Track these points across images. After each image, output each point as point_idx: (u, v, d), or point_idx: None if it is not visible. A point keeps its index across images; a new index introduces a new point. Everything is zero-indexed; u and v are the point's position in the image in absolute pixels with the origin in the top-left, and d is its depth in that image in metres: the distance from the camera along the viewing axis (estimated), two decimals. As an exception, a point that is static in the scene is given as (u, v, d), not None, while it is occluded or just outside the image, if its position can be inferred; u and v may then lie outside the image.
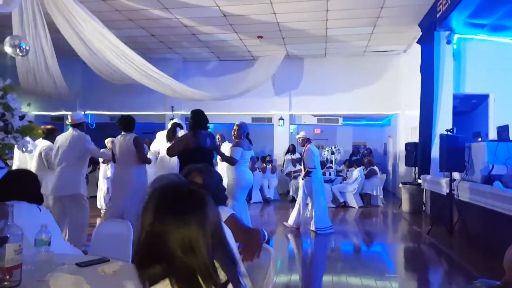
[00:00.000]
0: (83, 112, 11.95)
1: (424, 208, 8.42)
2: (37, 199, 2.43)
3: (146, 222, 1.05)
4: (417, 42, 8.58)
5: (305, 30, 8.98)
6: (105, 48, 6.82)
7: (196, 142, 4.54)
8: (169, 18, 8.33)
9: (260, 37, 9.49)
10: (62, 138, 4.95)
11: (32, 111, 12.74)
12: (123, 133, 5.03)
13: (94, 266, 1.91)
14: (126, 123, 5.04)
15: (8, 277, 1.64)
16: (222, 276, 1.05)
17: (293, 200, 10.08)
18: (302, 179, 6.80)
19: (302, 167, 7.08)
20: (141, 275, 1.04)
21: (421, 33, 8.35)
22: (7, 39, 5.69)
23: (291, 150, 11.60)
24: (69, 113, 12.09)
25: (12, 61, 7.22)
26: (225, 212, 2.20)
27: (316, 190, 6.64)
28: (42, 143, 5.27)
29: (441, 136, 6.51)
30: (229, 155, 5.11)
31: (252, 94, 10.86)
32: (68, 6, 5.96)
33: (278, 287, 4.00)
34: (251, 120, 11.58)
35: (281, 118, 11.83)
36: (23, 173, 2.53)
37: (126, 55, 7.01)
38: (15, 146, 1.62)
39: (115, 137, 5.31)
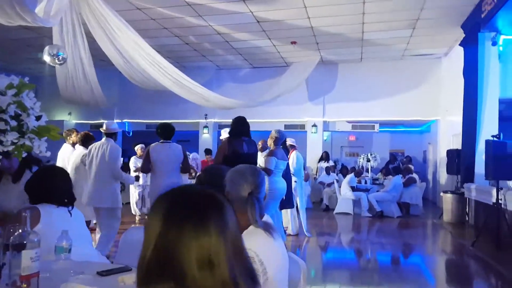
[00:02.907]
0: (120, 121, 12.26)
1: (467, 218, 7.94)
2: (68, 200, 2.28)
3: (152, 232, 0.89)
4: (460, 45, 8.17)
5: (340, 34, 8.78)
6: (139, 56, 6.93)
7: (231, 148, 4.47)
8: (203, 26, 8.37)
9: (294, 42, 9.36)
10: (96, 148, 4.93)
11: (72, 119, 13.25)
12: (161, 141, 4.93)
13: (115, 275, 1.83)
14: (167, 132, 4.96)
15: (25, 285, 1.58)
16: None
17: (327, 209, 9.84)
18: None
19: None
20: None
21: (463, 35, 7.95)
22: (46, 48, 5.89)
23: (325, 157, 11.34)
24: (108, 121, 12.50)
25: (51, 71, 7.49)
26: None
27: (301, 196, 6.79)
28: (81, 150, 5.35)
29: (487, 142, 6.12)
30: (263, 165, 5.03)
31: (285, 100, 10.73)
32: (105, 15, 6.09)
33: (310, 300, 3.82)
34: (284, 127, 11.41)
35: (314, 125, 11.61)
36: (52, 172, 2.35)
37: (159, 63, 7.10)
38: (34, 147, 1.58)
39: (145, 145, 5.27)
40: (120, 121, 12.22)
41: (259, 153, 8.14)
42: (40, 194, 2.19)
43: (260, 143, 8.44)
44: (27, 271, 1.57)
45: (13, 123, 1.37)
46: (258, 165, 6.39)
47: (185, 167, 5.00)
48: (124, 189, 8.01)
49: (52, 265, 1.84)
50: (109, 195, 4.77)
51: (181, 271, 0.84)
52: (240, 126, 4.67)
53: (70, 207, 2.25)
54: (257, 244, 1.58)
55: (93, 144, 5.06)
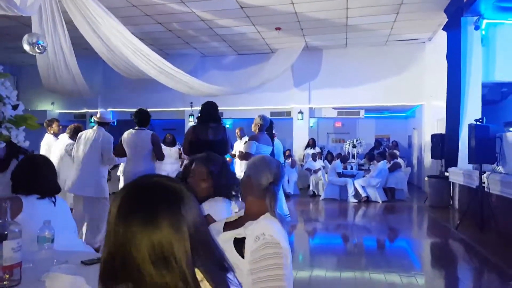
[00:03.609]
0: (105, 110, 12.08)
1: (451, 202, 8.10)
2: (52, 190, 2.24)
3: (108, 227, 0.85)
4: (443, 29, 8.22)
5: (324, 19, 8.74)
6: (122, 44, 6.79)
7: (195, 135, 4.32)
8: (186, 12, 8.24)
9: (278, 28, 9.30)
10: (87, 135, 4.84)
11: (55, 109, 13.02)
12: (136, 127, 4.84)
13: (99, 264, 1.80)
14: (142, 118, 4.85)
15: (7, 276, 1.55)
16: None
17: (314, 195, 9.93)
18: None
19: None
20: None
21: (447, 19, 7.99)
22: (25, 37, 5.72)
23: (311, 144, 11.39)
24: (92, 110, 12.27)
25: (32, 61, 7.31)
26: (215, 207, 2.12)
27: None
28: (66, 140, 5.27)
29: (470, 126, 6.20)
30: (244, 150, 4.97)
31: (271, 87, 10.70)
32: (85, 2, 5.94)
33: (299, 283, 3.85)
34: (270, 114, 11.39)
35: (300, 112, 11.63)
36: (37, 161, 2.30)
37: (142, 51, 6.97)
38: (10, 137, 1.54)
39: None
40: (105, 110, 12.04)
41: (237, 141, 8.11)
42: (24, 183, 2.15)
43: (237, 130, 8.41)
44: (8, 261, 1.54)
45: (-11, 112, 1.33)
46: (237, 151, 6.35)
47: (158, 155, 4.82)
48: (110, 179, 7.93)
49: (35, 255, 1.80)
50: (92, 184, 4.69)
51: (137, 270, 0.81)
52: (206, 111, 4.43)
53: (54, 198, 2.21)
54: (277, 231, 1.65)
55: (83, 131, 4.99)
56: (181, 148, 6.78)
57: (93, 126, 4.99)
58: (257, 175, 1.80)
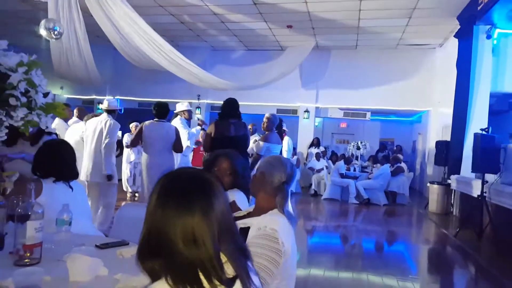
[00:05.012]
0: (113, 97, 12.17)
1: (452, 209, 8.15)
2: (70, 175, 2.31)
3: (148, 210, 0.97)
4: (455, 36, 8.23)
5: (336, 20, 8.77)
6: (134, 33, 6.86)
7: (218, 132, 4.44)
8: (199, 5, 8.29)
9: (290, 26, 9.33)
10: (95, 123, 4.96)
11: (64, 94, 13.11)
12: (156, 119, 4.98)
13: (112, 249, 1.89)
14: (162, 110, 5.01)
15: (28, 254, 1.64)
16: (230, 271, 0.97)
17: (315, 194, 9.99)
18: None
19: None
20: (142, 269, 0.97)
21: (459, 26, 8.00)
22: (42, 22, 5.81)
23: (316, 143, 11.45)
24: (100, 97, 12.35)
25: (46, 45, 7.38)
26: (236, 197, 2.22)
27: None
28: (80, 126, 5.37)
29: (475, 135, 6.24)
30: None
31: (279, 85, 10.73)
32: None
33: (296, 281, 3.93)
34: (276, 111, 11.43)
35: (306, 111, 11.68)
36: (57, 146, 2.37)
37: (155, 41, 7.03)
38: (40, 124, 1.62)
39: (139, 122, 5.30)
40: (113, 97, 12.13)
41: (255, 136, 8.19)
42: (44, 166, 2.24)
43: (250, 126, 8.48)
44: (31, 241, 1.62)
45: (23, 99, 1.41)
46: (250, 149, 6.45)
47: (177, 147, 5.02)
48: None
49: (54, 237, 1.89)
50: (100, 170, 4.80)
51: (170, 248, 0.92)
52: (227, 108, 4.58)
53: (72, 181, 2.29)
54: (281, 227, 1.70)
55: (92, 119, 5.10)
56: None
57: (101, 113, 5.13)
58: (271, 173, 1.86)
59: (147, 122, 5.00)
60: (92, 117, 5.28)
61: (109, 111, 5.03)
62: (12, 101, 1.39)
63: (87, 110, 6.85)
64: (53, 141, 2.56)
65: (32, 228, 1.61)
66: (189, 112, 6.56)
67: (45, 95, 1.53)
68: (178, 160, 6.36)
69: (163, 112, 5.01)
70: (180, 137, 5.09)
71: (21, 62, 1.43)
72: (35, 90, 1.45)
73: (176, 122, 6.38)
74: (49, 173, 2.22)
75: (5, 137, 1.58)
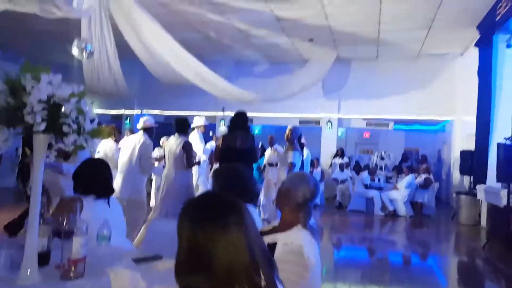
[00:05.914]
0: (140, 111, 12.54)
1: (480, 220, 7.98)
2: (107, 192, 2.48)
3: (183, 234, 1.09)
4: (475, 45, 8.17)
5: (357, 33, 8.85)
6: (164, 51, 7.15)
7: (224, 144, 4.56)
8: (223, 23, 8.53)
9: (311, 40, 9.47)
10: (131, 141, 5.08)
11: (94, 108, 13.57)
12: (176, 134, 5.13)
13: (148, 263, 2.02)
14: (178, 125, 5.13)
15: (73, 268, 1.79)
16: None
17: (340, 206, 9.90)
18: None
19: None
20: (180, 282, 1.06)
21: (479, 36, 7.95)
22: (75, 41, 6.13)
23: (340, 153, 11.40)
24: (128, 111, 12.71)
25: (78, 63, 7.75)
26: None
27: None
28: (112, 145, 5.51)
29: (499, 145, 6.17)
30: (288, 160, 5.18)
31: (301, 96, 10.82)
32: (132, 11, 6.34)
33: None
34: (299, 123, 11.53)
35: (329, 121, 11.71)
36: (95, 165, 2.58)
37: (183, 57, 7.30)
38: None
39: (168, 135, 5.46)
40: (140, 111, 12.50)
41: (268, 149, 8.28)
42: (88, 184, 2.40)
43: (269, 138, 8.60)
44: (76, 255, 1.77)
45: (74, 126, 1.60)
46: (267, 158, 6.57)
47: (187, 161, 4.96)
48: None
49: (94, 252, 2.05)
50: (128, 186, 4.89)
51: (209, 265, 1.04)
52: (236, 121, 4.70)
53: (108, 198, 2.48)
54: (306, 243, 1.79)
55: (127, 137, 5.29)
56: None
57: (138, 132, 5.20)
58: (295, 190, 1.96)
59: (170, 137, 5.20)
60: (130, 134, 5.41)
61: (145, 129, 5.12)
62: (65, 128, 1.57)
63: (116, 124, 7.07)
64: (92, 160, 2.76)
65: (77, 243, 1.77)
66: (205, 126, 6.76)
67: (92, 120, 1.72)
68: (197, 174, 6.56)
69: (179, 126, 5.11)
70: (189, 152, 5.07)
71: (72, 93, 1.63)
72: (84, 117, 1.64)
73: (194, 136, 6.58)
74: (89, 190, 2.40)
75: (54, 159, 1.77)
